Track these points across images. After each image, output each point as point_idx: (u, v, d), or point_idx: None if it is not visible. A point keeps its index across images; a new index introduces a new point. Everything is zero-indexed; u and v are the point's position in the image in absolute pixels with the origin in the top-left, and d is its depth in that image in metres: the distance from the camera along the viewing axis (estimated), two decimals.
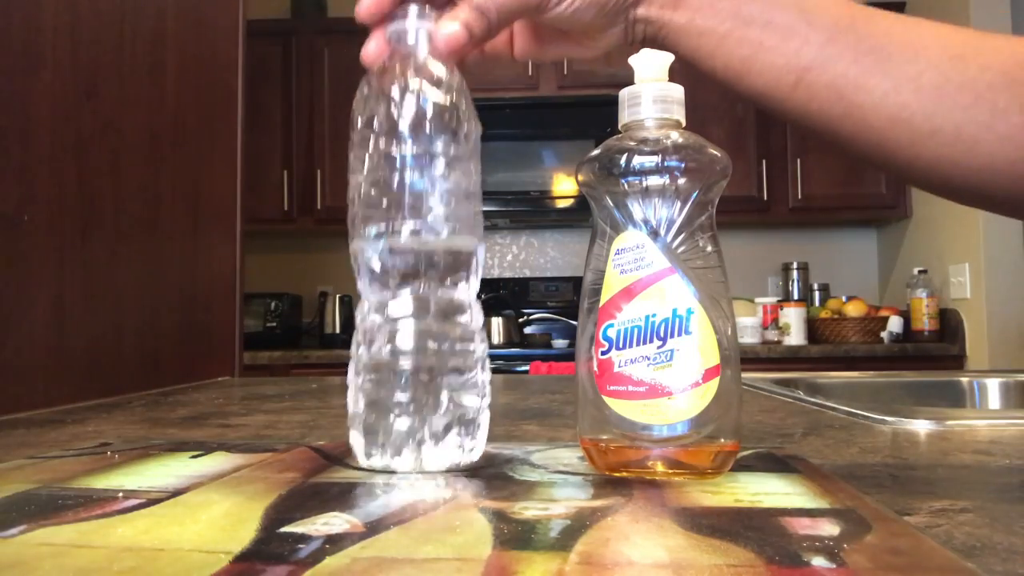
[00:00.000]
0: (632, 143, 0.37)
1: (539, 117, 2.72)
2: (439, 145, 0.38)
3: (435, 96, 0.38)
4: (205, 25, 1.11)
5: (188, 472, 0.40)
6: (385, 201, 0.37)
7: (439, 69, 0.39)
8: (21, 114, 0.73)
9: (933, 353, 2.45)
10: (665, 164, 0.36)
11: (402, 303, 0.37)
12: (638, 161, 0.36)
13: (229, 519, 0.30)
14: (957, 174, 0.40)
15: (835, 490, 0.35)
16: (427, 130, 0.37)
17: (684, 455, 0.35)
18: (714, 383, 0.35)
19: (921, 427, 0.56)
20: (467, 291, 0.39)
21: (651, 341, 0.35)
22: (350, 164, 0.39)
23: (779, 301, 2.68)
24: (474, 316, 0.39)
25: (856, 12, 0.40)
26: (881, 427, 0.56)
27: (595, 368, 0.36)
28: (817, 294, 2.83)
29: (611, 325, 0.35)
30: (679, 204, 0.36)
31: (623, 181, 0.36)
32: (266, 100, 2.79)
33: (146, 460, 0.44)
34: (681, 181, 0.36)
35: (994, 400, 1.03)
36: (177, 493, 0.35)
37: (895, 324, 2.54)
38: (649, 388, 0.34)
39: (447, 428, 0.37)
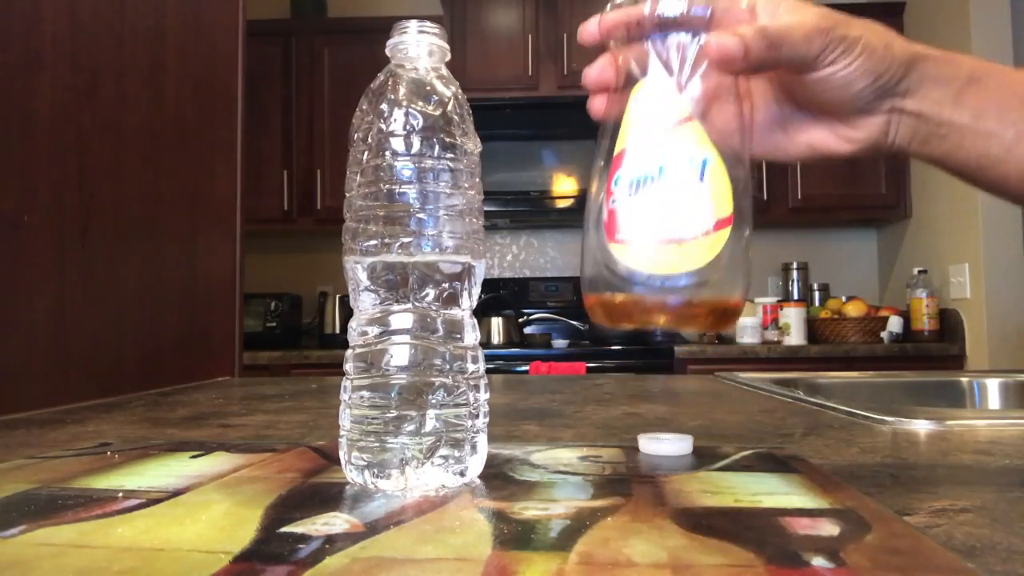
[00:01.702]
0: None
1: (539, 117, 2.72)
2: (436, 162, 0.37)
3: (433, 113, 0.38)
4: (205, 25, 1.11)
5: (188, 472, 0.40)
6: (380, 217, 0.37)
7: (438, 86, 0.39)
8: (21, 114, 0.73)
9: (933, 353, 2.45)
10: (692, 13, 0.34)
11: (392, 320, 0.37)
12: (662, 7, 0.34)
13: (229, 519, 0.30)
14: None
15: (835, 490, 0.35)
16: (424, 146, 0.37)
17: (692, 306, 0.34)
18: (724, 233, 0.34)
19: (921, 427, 0.56)
20: (461, 309, 0.38)
21: (662, 187, 0.33)
22: (347, 178, 0.39)
23: (779, 301, 2.68)
24: (467, 334, 0.38)
25: None
26: (881, 427, 0.56)
27: (604, 217, 0.34)
28: (817, 294, 2.83)
29: (623, 174, 0.34)
30: (701, 52, 0.35)
31: (648, 27, 0.35)
32: (266, 100, 2.79)
33: (146, 460, 0.44)
34: (704, 30, 0.35)
35: (994, 400, 1.03)
36: (177, 493, 0.35)
37: (895, 324, 2.54)
38: (658, 236, 0.33)
39: (433, 449, 0.36)
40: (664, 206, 0.33)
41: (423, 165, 0.37)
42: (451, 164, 0.38)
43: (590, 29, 0.38)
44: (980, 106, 0.37)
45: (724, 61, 0.35)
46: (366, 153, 0.38)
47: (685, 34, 0.35)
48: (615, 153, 0.35)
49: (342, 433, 0.38)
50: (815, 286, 2.85)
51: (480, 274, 0.40)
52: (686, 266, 0.33)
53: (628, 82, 0.36)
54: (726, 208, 0.34)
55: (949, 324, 2.52)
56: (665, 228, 0.33)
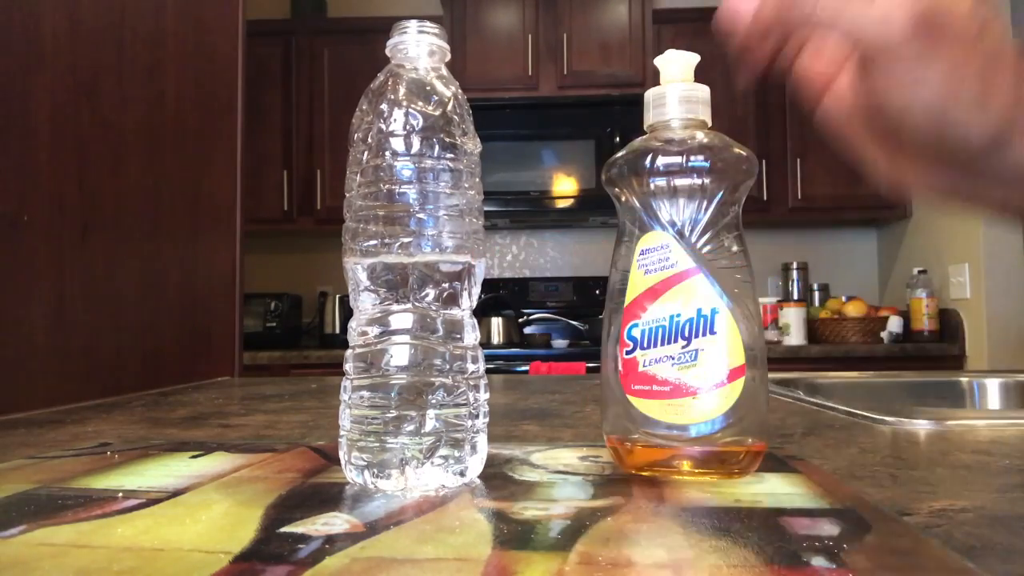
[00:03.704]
0: (658, 143, 0.37)
1: (539, 117, 2.72)
2: (436, 162, 0.37)
3: (433, 113, 0.38)
4: (205, 25, 1.11)
5: (188, 472, 0.40)
6: (380, 217, 0.37)
7: (438, 86, 0.39)
8: (21, 114, 0.73)
9: (933, 353, 2.45)
10: (690, 164, 0.35)
11: (392, 320, 0.37)
12: (663, 161, 0.36)
13: (229, 519, 0.30)
14: None
15: (835, 490, 0.35)
16: (424, 146, 0.37)
17: (711, 455, 0.35)
18: (739, 383, 0.34)
19: (921, 427, 0.56)
20: (461, 309, 0.38)
21: (675, 341, 0.34)
22: (347, 178, 0.39)
23: (779, 301, 2.68)
24: (467, 334, 0.38)
25: None
26: (881, 427, 0.56)
27: (620, 368, 0.36)
28: (817, 294, 2.83)
29: (635, 325, 0.35)
30: (705, 204, 0.36)
31: (649, 181, 0.36)
32: (266, 100, 2.79)
33: (146, 460, 0.44)
34: (707, 181, 0.36)
35: (994, 400, 1.03)
36: (177, 493, 0.35)
37: (895, 324, 2.54)
38: (674, 388, 0.34)
39: (433, 449, 0.36)
40: (676, 359, 0.34)
41: (423, 165, 0.37)
42: (451, 164, 0.38)
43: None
44: None
45: (732, 18, 0.30)
46: (366, 153, 0.38)
47: (690, 187, 0.36)
48: (627, 302, 0.36)
49: (342, 433, 0.38)
50: (815, 286, 2.85)
51: (480, 274, 0.40)
52: (702, 416, 0.34)
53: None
54: (739, 357, 0.35)
55: (949, 324, 2.52)
56: (679, 381, 0.34)
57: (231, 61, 1.19)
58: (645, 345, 0.35)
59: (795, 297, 2.83)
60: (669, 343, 0.34)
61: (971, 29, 0.27)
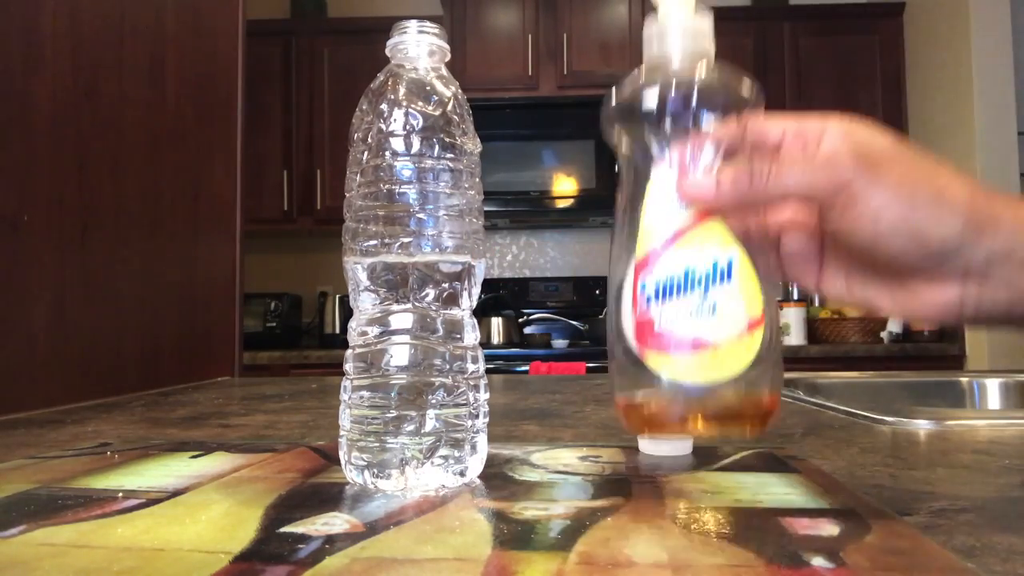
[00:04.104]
0: (659, 79, 0.33)
1: (539, 117, 2.72)
2: (436, 162, 0.37)
3: (433, 113, 0.38)
4: (205, 25, 1.11)
5: (188, 472, 0.40)
6: (380, 217, 0.37)
7: (438, 86, 0.39)
8: (21, 114, 0.73)
9: (933, 353, 2.45)
10: (695, 100, 0.33)
11: (392, 320, 0.37)
12: (666, 98, 0.33)
13: (229, 519, 0.30)
14: None
15: (835, 490, 0.35)
16: (424, 146, 0.37)
17: (726, 412, 0.32)
18: (759, 333, 0.32)
19: (921, 427, 0.56)
20: (461, 309, 0.38)
21: (692, 292, 0.32)
22: (347, 178, 0.39)
23: (779, 301, 2.67)
24: (467, 334, 0.38)
25: None
26: (881, 427, 0.56)
27: (633, 326, 0.33)
28: (817, 294, 2.83)
29: (648, 281, 0.32)
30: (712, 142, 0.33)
31: (651, 121, 0.33)
32: (266, 100, 2.78)
33: (146, 460, 0.44)
34: (712, 116, 0.33)
35: (994, 400, 1.03)
36: (177, 493, 0.35)
37: (895, 324, 2.54)
38: (692, 343, 0.31)
39: (433, 449, 0.36)
40: (694, 311, 0.32)
41: (423, 165, 0.37)
42: (451, 164, 0.38)
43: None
44: None
45: (691, 201, 0.32)
46: (366, 153, 0.38)
47: (702, 135, 0.33)
48: (638, 258, 0.33)
49: (342, 433, 0.38)
50: None
51: (480, 274, 0.40)
52: (723, 372, 0.32)
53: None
54: (758, 307, 0.32)
55: (949, 324, 2.51)
56: (698, 334, 0.32)
57: (231, 61, 1.19)
58: (660, 299, 0.32)
59: (795, 297, 2.83)
60: (685, 295, 0.32)
61: (903, 150, 0.30)
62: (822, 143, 0.31)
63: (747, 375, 0.32)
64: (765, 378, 0.32)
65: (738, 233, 0.33)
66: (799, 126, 0.32)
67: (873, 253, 0.31)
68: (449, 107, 0.38)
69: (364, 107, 0.39)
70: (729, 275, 0.32)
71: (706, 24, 0.35)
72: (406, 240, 0.37)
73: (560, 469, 0.40)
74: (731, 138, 0.33)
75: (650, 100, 0.33)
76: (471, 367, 0.38)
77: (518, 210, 2.72)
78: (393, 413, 0.36)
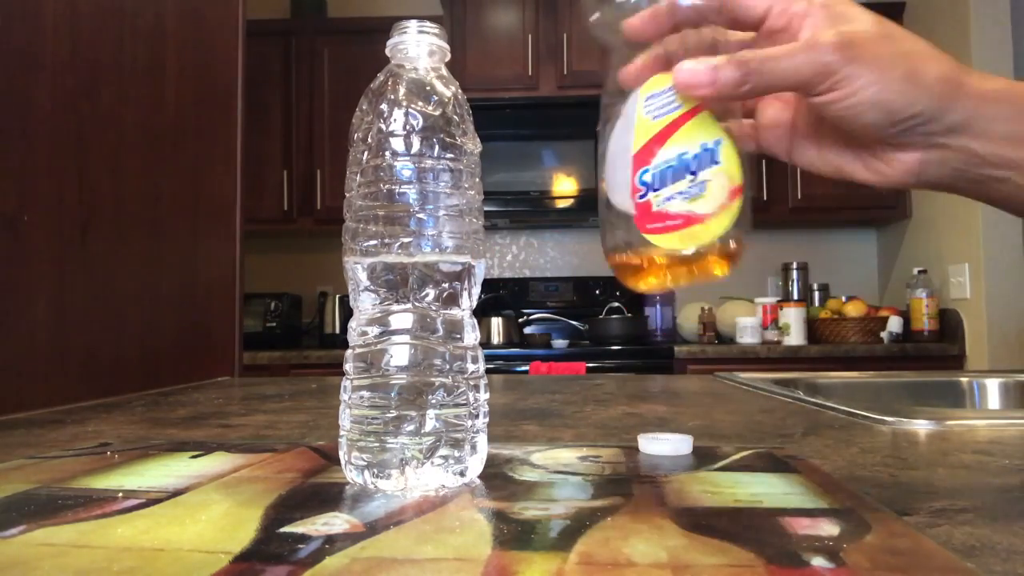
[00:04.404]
0: None
1: (539, 117, 2.72)
2: (436, 162, 0.37)
3: (433, 113, 0.38)
4: (205, 25, 1.11)
5: (188, 472, 0.40)
6: (379, 217, 0.37)
7: (438, 86, 0.39)
8: (21, 114, 0.73)
9: (933, 353, 2.45)
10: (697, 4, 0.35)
11: (392, 320, 0.37)
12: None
13: (229, 519, 0.30)
14: None
15: (835, 490, 0.35)
16: (424, 146, 0.37)
17: (706, 264, 0.37)
18: (738, 201, 0.36)
19: (921, 427, 0.56)
20: (461, 309, 0.38)
21: (684, 177, 0.36)
22: (347, 178, 0.39)
23: (779, 301, 2.67)
24: (467, 334, 0.38)
25: None
26: (881, 427, 0.56)
27: (634, 211, 0.37)
28: (817, 294, 2.83)
29: (647, 170, 0.36)
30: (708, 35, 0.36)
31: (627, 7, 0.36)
32: (266, 100, 2.79)
33: (146, 460, 0.44)
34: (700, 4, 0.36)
35: (994, 400, 1.03)
36: (177, 493, 0.35)
37: (895, 324, 2.54)
38: (685, 219, 0.36)
39: (433, 449, 0.36)
40: (686, 193, 0.36)
41: (423, 165, 0.37)
42: (451, 164, 0.38)
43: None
44: None
45: (689, 89, 0.35)
46: (366, 153, 0.38)
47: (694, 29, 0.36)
48: (635, 151, 0.37)
49: (342, 433, 0.38)
50: (815, 286, 2.86)
51: (480, 274, 0.40)
52: (710, 236, 0.36)
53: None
54: (738, 178, 0.36)
55: (949, 324, 2.52)
56: (690, 211, 0.36)
57: (231, 61, 1.19)
58: (657, 187, 0.36)
59: (795, 297, 2.83)
60: (679, 180, 0.36)
61: (882, 30, 0.34)
62: (804, 29, 0.34)
63: (728, 235, 0.37)
64: (739, 229, 0.37)
65: (720, 112, 0.36)
66: (784, 5, 0.35)
67: (847, 126, 0.35)
68: (449, 107, 0.38)
69: (364, 107, 0.39)
70: (716, 158, 0.36)
71: None
72: (406, 240, 0.37)
73: (560, 469, 0.40)
74: (707, 6, 0.35)
75: None
76: (471, 367, 0.38)
77: (518, 210, 2.72)
78: (393, 413, 0.36)
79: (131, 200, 0.91)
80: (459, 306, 0.38)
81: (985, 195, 0.36)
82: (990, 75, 0.34)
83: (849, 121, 0.34)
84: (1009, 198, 0.35)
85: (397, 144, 0.37)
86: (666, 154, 0.36)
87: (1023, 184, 0.34)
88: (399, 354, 0.36)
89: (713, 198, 0.36)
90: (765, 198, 2.70)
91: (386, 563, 0.25)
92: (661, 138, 0.36)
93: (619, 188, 0.37)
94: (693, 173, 0.36)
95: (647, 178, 0.36)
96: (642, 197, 0.37)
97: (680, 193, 0.36)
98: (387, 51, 0.39)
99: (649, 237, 0.37)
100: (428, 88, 0.38)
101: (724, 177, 0.36)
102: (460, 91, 0.40)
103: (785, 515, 0.30)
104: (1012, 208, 0.36)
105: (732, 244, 0.37)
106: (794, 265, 2.88)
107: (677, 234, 0.36)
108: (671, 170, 0.36)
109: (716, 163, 0.36)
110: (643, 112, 0.36)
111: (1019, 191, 0.35)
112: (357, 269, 0.38)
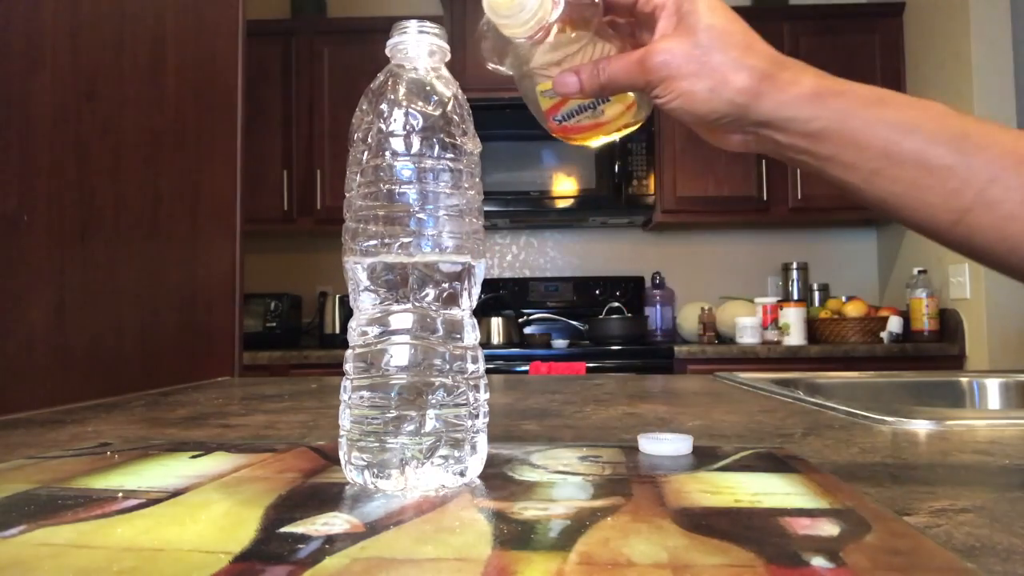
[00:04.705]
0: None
1: None
2: (436, 162, 0.37)
3: (433, 113, 0.38)
4: (205, 25, 1.11)
5: (188, 472, 0.40)
6: (379, 217, 0.37)
7: (438, 86, 0.39)
8: (21, 114, 0.73)
9: (933, 353, 2.45)
10: None
11: (392, 320, 0.37)
12: None
13: (229, 519, 0.31)
14: None
15: (835, 490, 0.35)
16: (424, 147, 0.37)
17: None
18: (634, 108, 0.47)
19: (921, 427, 0.56)
20: (461, 309, 0.38)
21: (588, 110, 0.46)
22: (347, 178, 0.39)
23: (779, 301, 2.67)
24: (467, 334, 0.38)
25: (1019, 145, 0.38)
26: (881, 427, 0.56)
27: (553, 131, 0.49)
28: (817, 294, 2.83)
29: (558, 114, 0.47)
30: None
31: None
32: (266, 100, 2.78)
33: (146, 460, 0.44)
34: None
35: (994, 400, 1.03)
36: (177, 493, 0.35)
37: (895, 324, 2.54)
38: (592, 128, 0.47)
39: (433, 449, 0.36)
40: (592, 116, 0.47)
41: (423, 165, 0.37)
42: (451, 164, 0.38)
43: None
44: (843, 140, 0.40)
45: (563, 89, 0.44)
46: (366, 153, 0.38)
47: None
48: (545, 109, 0.48)
49: (342, 433, 0.38)
50: (815, 286, 2.86)
51: (480, 274, 0.40)
52: (618, 129, 0.48)
53: None
54: (630, 97, 0.46)
55: (949, 324, 2.52)
56: (596, 122, 0.47)
57: (231, 61, 1.19)
58: (567, 120, 0.47)
59: (795, 297, 2.83)
60: (584, 113, 0.46)
61: (702, 41, 0.41)
62: (659, 23, 0.43)
63: (628, 123, 0.47)
64: (639, 115, 0.47)
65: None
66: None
67: (676, 118, 0.44)
68: (449, 107, 0.38)
69: (364, 107, 0.39)
70: (608, 99, 0.46)
71: None
72: (406, 240, 0.37)
73: (560, 469, 0.40)
74: None
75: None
76: (471, 367, 0.38)
77: (518, 210, 2.72)
78: (393, 413, 0.36)
79: (131, 200, 0.91)
80: (459, 306, 0.38)
81: (801, 169, 0.44)
82: (802, 75, 0.41)
83: (679, 114, 0.43)
84: (817, 174, 0.43)
85: (397, 144, 0.37)
86: (568, 104, 0.46)
87: (818, 167, 0.42)
88: (399, 354, 0.36)
89: (613, 110, 0.46)
90: (765, 198, 2.70)
91: (386, 563, 0.25)
92: (559, 105, 0.47)
93: (538, 114, 0.48)
94: (592, 106, 0.46)
95: (558, 117, 0.47)
96: (557, 122, 0.48)
97: (587, 119, 0.46)
98: (387, 51, 0.39)
99: (566, 139, 0.49)
100: (428, 88, 0.38)
101: (621, 100, 0.46)
102: (460, 91, 0.40)
103: (785, 515, 0.30)
104: (826, 181, 0.43)
105: (634, 122, 0.48)
106: (794, 265, 2.88)
107: (590, 133, 0.47)
108: (576, 110, 0.46)
109: (608, 100, 0.46)
110: (542, 95, 0.47)
111: (819, 171, 0.42)
112: (357, 269, 0.38)
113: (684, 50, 0.41)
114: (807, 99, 0.40)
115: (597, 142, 0.49)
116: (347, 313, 2.83)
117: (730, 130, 0.43)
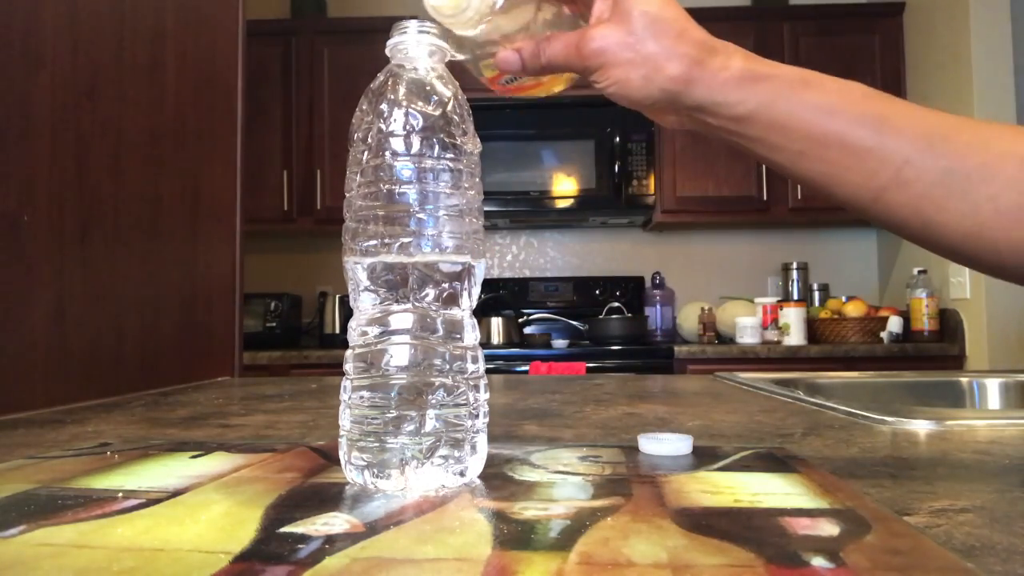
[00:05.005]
0: None
1: (539, 117, 2.72)
2: (436, 162, 0.37)
3: (433, 113, 0.38)
4: (205, 25, 1.11)
5: (188, 472, 0.40)
6: (379, 217, 0.37)
7: (438, 86, 0.39)
8: (21, 114, 0.73)
9: (933, 353, 2.45)
10: None
11: (392, 320, 0.37)
12: None
13: (229, 519, 0.31)
14: None
15: (835, 490, 0.35)
16: (424, 147, 0.37)
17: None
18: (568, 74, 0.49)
19: (921, 427, 0.56)
20: (461, 309, 0.38)
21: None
22: (347, 178, 0.39)
23: (779, 301, 2.67)
24: (467, 334, 0.38)
25: (933, 129, 0.41)
26: (881, 427, 0.56)
27: (497, 92, 0.51)
28: (817, 294, 2.83)
29: (501, 79, 0.50)
30: None
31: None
32: (266, 100, 2.78)
33: (146, 460, 0.44)
34: None
35: (994, 400, 1.03)
36: (177, 493, 0.35)
37: (895, 324, 2.54)
38: (534, 84, 0.49)
39: (433, 449, 0.36)
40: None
41: (423, 165, 0.37)
42: (451, 164, 0.38)
43: None
44: (769, 124, 0.42)
45: (505, 66, 0.46)
46: (366, 153, 0.38)
47: None
48: (489, 77, 0.50)
49: (342, 433, 0.38)
50: (815, 286, 2.86)
51: (480, 274, 0.40)
52: (561, 86, 0.50)
53: None
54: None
55: (949, 324, 2.52)
56: (538, 81, 0.49)
57: (231, 61, 1.19)
58: (511, 82, 0.50)
59: (795, 297, 2.83)
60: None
61: (636, 29, 0.42)
62: (593, 8, 0.44)
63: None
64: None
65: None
66: None
67: (619, 101, 0.45)
68: (449, 107, 0.38)
69: (364, 107, 0.39)
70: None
71: None
72: (406, 240, 0.37)
73: (560, 469, 0.40)
74: None
75: None
76: (471, 367, 0.38)
77: (518, 210, 2.72)
78: (393, 413, 0.36)
79: (131, 200, 0.91)
80: (459, 306, 0.38)
81: (732, 147, 0.45)
82: (732, 59, 0.42)
83: (616, 99, 0.44)
84: (746, 153, 0.45)
85: (397, 144, 0.37)
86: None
87: (747, 147, 0.44)
88: (399, 354, 0.36)
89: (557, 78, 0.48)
90: (765, 198, 2.70)
91: (386, 563, 0.25)
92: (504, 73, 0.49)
93: (483, 79, 0.50)
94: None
95: (502, 81, 0.50)
96: (502, 84, 0.50)
97: (528, 78, 0.48)
98: (387, 51, 0.39)
99: (510, 95, 0.51)
100: (428, 88, 0.38)
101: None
102: (460, 91, 0.40)
103: (785, 515, 0.30)
104: (755, 159, 0.45)
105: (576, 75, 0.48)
106: (794, 265, 2.88)
107: (533, 90, 0.50)
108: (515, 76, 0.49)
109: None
110: (486, 67, 0.49)
111: (748, 151, 0.44)
112: (357, 269, 0.38)
113: (618, 38, 0.42)
114: (735, 84, 0.42)
115: (542, 95, 0.51)
116: (347, 313, 2.83)
117: (665, 112, 0.45)
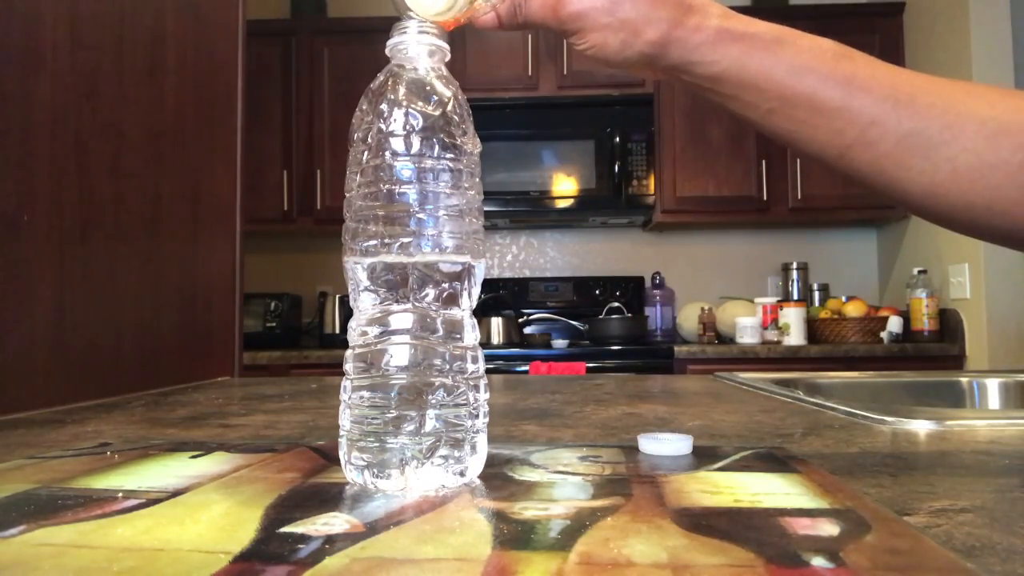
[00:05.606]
0: None
1: (539, 117, 2.72)
2: (436, 162, 0.37)
3: (433, 113, 0.38)
4: (205, 25, 1.11)
5: (188, 472, 0.40)
6: (379, 217, 0.37)
7: (438, 86, 0.39)
8: (21, 114, 0.73)
9: (933, 353, 2.45)
10: None
11: (392, 320, 0.37)
12: None
13: (229, 519, 0.31)
14: (989, 232, 0.44)
15: (835, 490, 0.35)
16: (424, 147, 0.37)
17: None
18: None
19: (921, 427, 0.56)
20: (461, 309, 0.38)
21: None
22: (347, 178, 0.39)
23: (779, 301, 2.68)
24: (467, 334, 0.38)
25: (900, 89, 0.42)
26: (881, 427, 0.56)
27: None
28: (817, 294, 2.83)
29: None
30: None
31: None
32: (266, 100, 2.79)
33: (146, 460, 0.44)
34: None
35: (994, 400, 1.03)
36: (177, 493, 0.35)
37: (895, 324, 2.54)
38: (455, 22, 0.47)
39: (433, 449, 0.36)
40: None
41: (423, 165, 0.37)
42: (451, 164, 0.38)
43: None
44: (741, 82, 0.44)
45: (484, 28, 0.47)
46: (366, 153, 0.38)
47: None
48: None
49: (342, 433, 0.38)
50: (815, 286, 2.86)
51: (480, 274, 0.40)
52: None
53: None
54: None
55: (949, 324, 2.52)
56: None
57: (231, 61, 1.19)
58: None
59: (795, 297, 2.83)
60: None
61: (630, 11, 0.43)
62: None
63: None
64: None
65: None
66: None
67: (593, 58, 0.46)
68: (449, 107, 0.38)
69: (364, 107, 0.39)
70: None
71: None
72: (406, 240, 0.37)
73: (560, 469, 0.40)
74: None
75: None
76: (471, 367, 0.38)
77: (518, 210, 2.72)
78: (393, 413, 0.36)
79: (131, 200, 0.91)
80: (459, 306, 0.38)
81: (705, 102, 0.47)
82: (708, 18, 0.43)
83: (592, 57, 0.45)
84: (720, 108, 0.46)
85: (397, 144, 0.37)
86: None
87: (721, 102, 0.45)
88: (399, 354, 0.36)
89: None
90: (765, 198, 2.70)
91: (386, 563, 0.25)
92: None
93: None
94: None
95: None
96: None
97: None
98: (387, 51, 0.39)
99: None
100: (428, 88, 0.38)
101: None
102: (460, 91, 0.40)
103: (785, 515, 0.30)
104: (728, 113, 0.47)
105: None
106: (794, 265, 2.88)
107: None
108: None
109: None
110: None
111: (722, 107, 0.46)
112: (357, 269, 0.38)
113: (596, 2, 0.43)
114: (711, 44, 0.43)
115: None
116: (347, 313, 2.83)
117: (641, 69, 0.47)
